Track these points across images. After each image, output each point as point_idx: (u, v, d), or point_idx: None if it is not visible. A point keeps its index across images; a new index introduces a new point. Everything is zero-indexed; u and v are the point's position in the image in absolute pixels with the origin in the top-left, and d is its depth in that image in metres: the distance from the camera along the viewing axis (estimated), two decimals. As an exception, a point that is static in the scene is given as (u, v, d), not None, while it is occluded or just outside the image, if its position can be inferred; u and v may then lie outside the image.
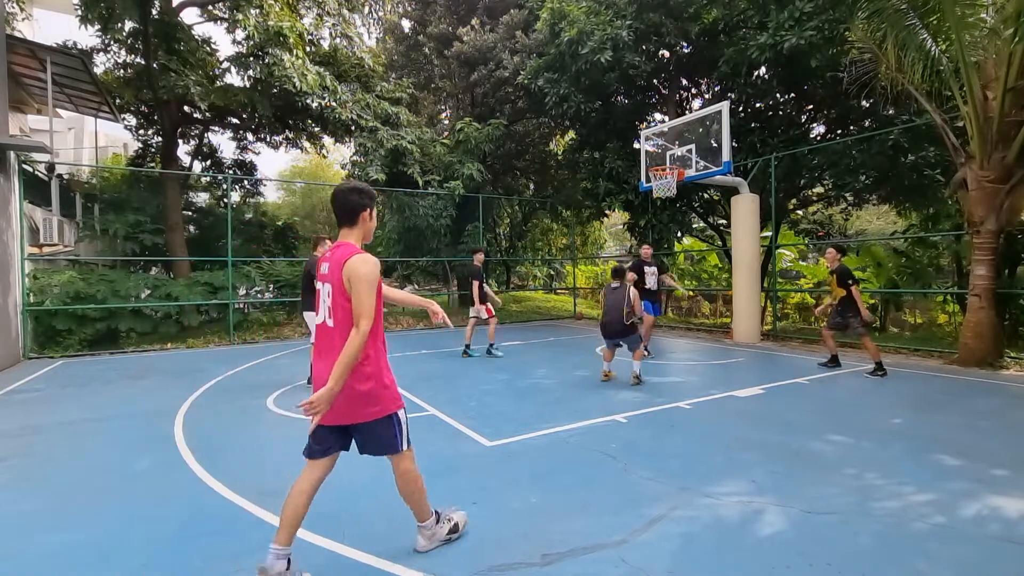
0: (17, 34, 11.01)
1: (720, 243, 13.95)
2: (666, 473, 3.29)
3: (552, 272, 22.09)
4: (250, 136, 15.39)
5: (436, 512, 2.45)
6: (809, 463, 3.45)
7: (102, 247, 11.92)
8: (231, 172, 15.54)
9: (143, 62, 11.00)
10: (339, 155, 28.34)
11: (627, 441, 3.93)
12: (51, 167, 10.67)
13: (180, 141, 14.19)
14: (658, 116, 13.46)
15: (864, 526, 2.59)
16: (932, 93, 7.15)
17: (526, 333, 11.37)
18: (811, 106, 11.22)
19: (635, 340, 5.81)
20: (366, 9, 17.13)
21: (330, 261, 2.21)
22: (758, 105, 11.26)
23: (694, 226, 14.87)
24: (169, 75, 10.38)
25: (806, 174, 10.66)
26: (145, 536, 2.59)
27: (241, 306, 11.88)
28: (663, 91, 12.61)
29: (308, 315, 5.76)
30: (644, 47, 10.79)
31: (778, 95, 10.77)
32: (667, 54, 11.68)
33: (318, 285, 2.29)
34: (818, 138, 11.14)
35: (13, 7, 11.23)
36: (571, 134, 15.61)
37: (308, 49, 12.71)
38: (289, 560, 2.14)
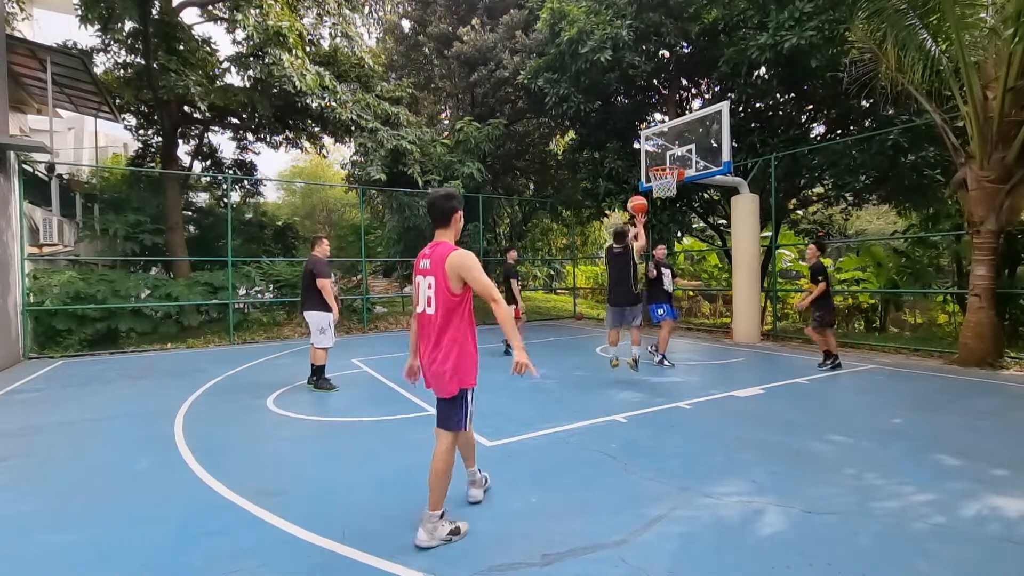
0: (17, 34, 11.01)
1: (720, 243, 13.95)
2: (666, 473, 3.29)
3: (552, 272, 22.09)
4: (250, 136, 15.38)
5: (443, 512, 2.52)
6: (809, 463, 3.45)
7: (102, 247, 11.93)
8: (231, 172, 15.54)
9: (143, 62, 10.99)
10: (339, 155, 28.37)
11: (627, 441, 3.93)
12: (51, 167, 10.67)
13: (180, 141, 14.19)
14: (658, 116, 13.46)
15: (864, 526, 2.59)
16: (932, 93, 7.15)
17: (526, 333, 11.36)
18: (811, 106, 11.22)
19: (638, 313, 5.90)
20: (366, 9, 17.11)
21: (431, 257, 2.50)
22: (758, 105, 11.26)
23: (694, 226, 14.87)
24: (169, 75, 10.37)
25: (806, 174, 10.66)
26: (145, 536, 2.59)
27: (241, 306, 11.88)
28: (663, 91, 12.61)
29: (308, 315, 5.75)
30: (644, 47, 10.79)
31: (778, 95, 10.77)
32: (667, 54, 11.68)
33: (418, 278, 2.57)
34: (818, 138, 11.14)
35: (13, 7, 11.23)
36: (571, 134, 15.60)
37: (308, 49, 12.70)
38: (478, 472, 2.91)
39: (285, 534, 2.58)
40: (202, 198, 16.21)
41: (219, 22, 12.59)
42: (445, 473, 2.49)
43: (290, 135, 15.11)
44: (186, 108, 12.93)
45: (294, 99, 11.38)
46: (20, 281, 8.35)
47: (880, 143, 8.78)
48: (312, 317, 5.72)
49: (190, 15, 22.27)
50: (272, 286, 12.02)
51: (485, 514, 2.77)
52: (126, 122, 13.95)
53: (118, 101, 12.44)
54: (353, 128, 12.50)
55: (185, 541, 2.54)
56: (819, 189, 11.94)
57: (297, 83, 10.80)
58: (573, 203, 15.28)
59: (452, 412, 2.53)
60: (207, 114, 13.26)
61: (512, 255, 8.29)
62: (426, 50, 16.24)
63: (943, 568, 2.24)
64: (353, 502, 2.94)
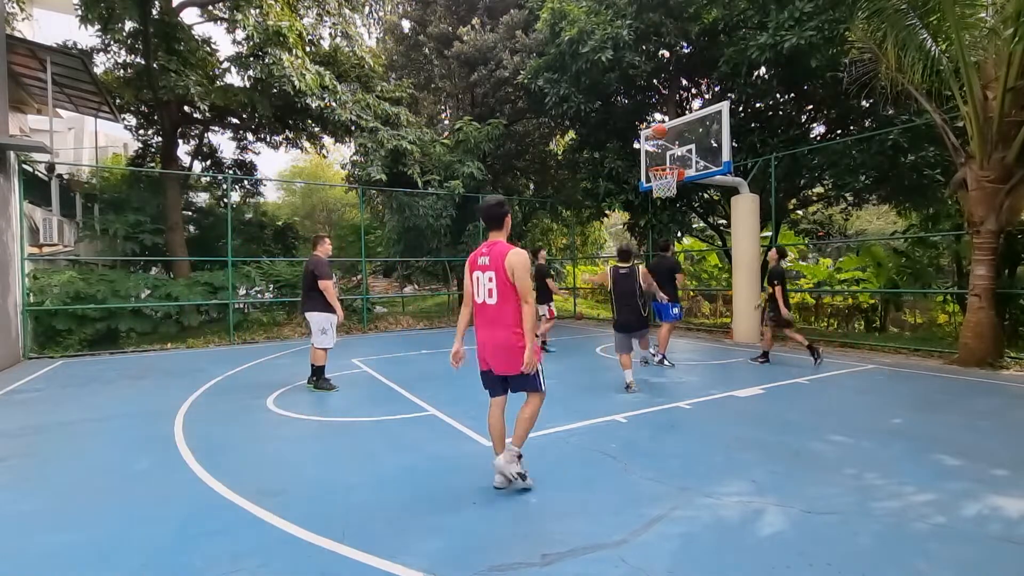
0: (17, 34, 11.01)
1: (720, 243, 13.94)
2: (666, 473, 3.29)
3: (552, 272, 22.05)
4: (250, 136, 15.39)
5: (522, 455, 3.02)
6: (809, 463, 3.45)
7: (102, 247, 11.93)
8: (231, 172, 15.55)
9: (143, 62, 11.00)
10: (339, 155, 28.40)
11: (627, 441, 3.93)
12: (51, 167, 10.67)
13: (180, 141, 14.20)
14: (658, 116, 13.44)
15: (864, 526, 2.59)
16: (932, 93, 7.14)
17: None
18: (811, 106, 11.21)
19: (645, 333, 5.97)
20: (366, 9, 17.09)
21: (490, 255, 2.91)
22: (758, 105, 11.25)
23: (694, 226, 14.85)
24: (169, 75, 10.37)
25: (806, 174, 10.66)
26: (145, 536, 2.59)
27: (241, 306, 11.89)
28: (663, 91, 12.60)
29: (309, 315, 5.75)
30: (644, 47, 10.78)
31: (778, 95, 10.76)
32: (667, 54, 11.68)
33: (476, 274, 2.98)
34: (818, 138, 11.14)
35: (13, 7, 11.22)
36: (571, 134, 15.60)
37: (308, 49, 12.71)
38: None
39: (285, 534, 2.58)
40: (202, 198, 16.21)
41: (219, 22, 12.59)
42: (531, 419, 3.01)
43: (290, 135, 15.12)
44: (186, 108, 12.93)
45: (294, 99, 11.39)
46: (20, 281, 8.35)
47: (880, 143, 8.77)
48: (313, 317, 5.72)
49: (190, 15, 22.32)
50: (272, 286, 12.03)
51: (485, 514, 2.77)
52: (126, 122, 13.96)
53: (118, 101, 12.44)
54: (353, 128, 12.50)
55: (185, 541, 2.54)
56: (819, 189, 11.93)
57: (297, 83, 10.81)
58: (573, 203, 15.27)
59: (528, 380, 2.97)
60: (207, 114, 13.26)
61: (543, 255, 8.47)
62: (426, 50, 16.25)
63: (943, 568, 2.24)
64: (353, 502, 2.94)
